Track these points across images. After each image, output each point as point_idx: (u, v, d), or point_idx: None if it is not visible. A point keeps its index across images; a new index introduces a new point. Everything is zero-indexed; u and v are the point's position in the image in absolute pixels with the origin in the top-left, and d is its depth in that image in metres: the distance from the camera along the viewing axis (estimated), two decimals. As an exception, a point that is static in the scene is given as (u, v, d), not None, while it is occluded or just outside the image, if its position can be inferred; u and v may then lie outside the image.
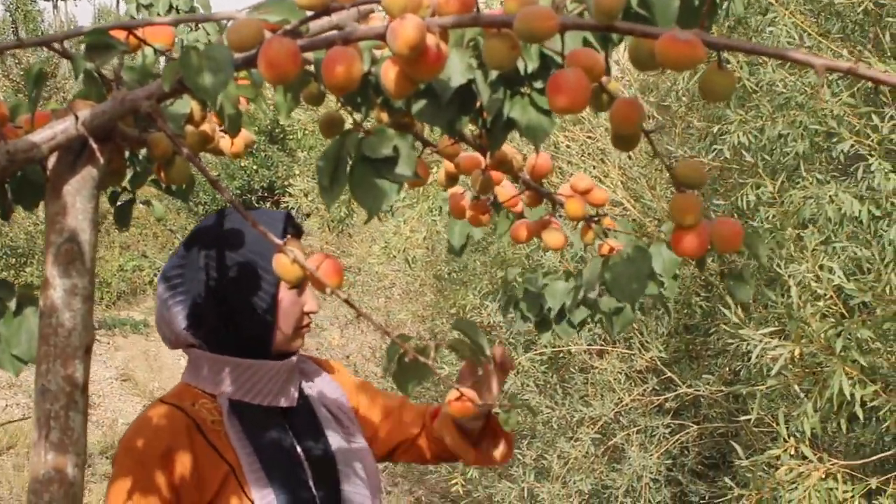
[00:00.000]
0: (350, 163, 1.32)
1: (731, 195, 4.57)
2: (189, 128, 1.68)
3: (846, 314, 3.46)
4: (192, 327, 2.23)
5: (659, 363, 5.19)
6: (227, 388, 2.23)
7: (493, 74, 1.28)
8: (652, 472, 5.04)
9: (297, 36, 1.24)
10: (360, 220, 10.01)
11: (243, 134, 1.85)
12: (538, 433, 5.60)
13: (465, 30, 1.25)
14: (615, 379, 5.18)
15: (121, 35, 1.47)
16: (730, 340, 4.48)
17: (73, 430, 1.35)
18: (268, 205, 16.16)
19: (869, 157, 3.78)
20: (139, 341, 12.41)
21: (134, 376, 11.68)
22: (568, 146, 5.55)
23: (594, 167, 5.43)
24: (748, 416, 3.84)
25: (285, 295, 2.25)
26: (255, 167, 16.01)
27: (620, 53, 4.57)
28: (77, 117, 1.36)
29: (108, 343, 12.78)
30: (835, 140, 3.94)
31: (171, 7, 2.89)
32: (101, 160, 1.38)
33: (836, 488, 3.31)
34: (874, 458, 3.69)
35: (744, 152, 4.28)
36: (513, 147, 1.82)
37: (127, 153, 1.70)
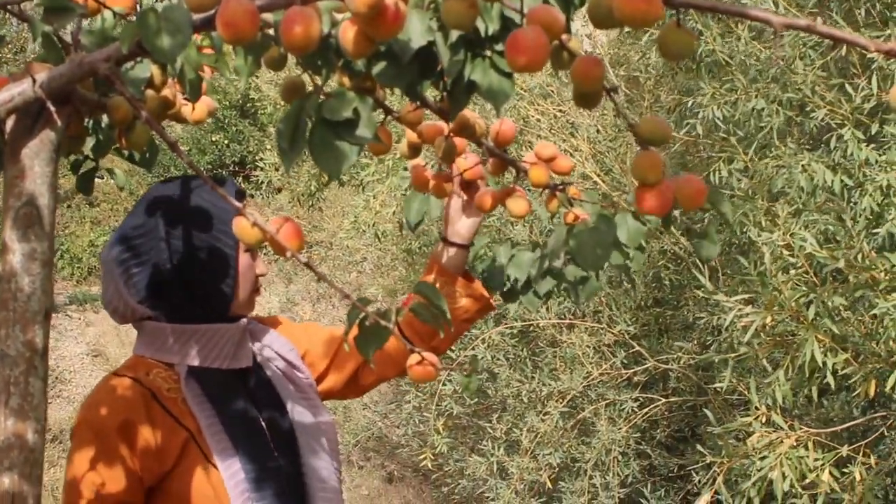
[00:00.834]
0: (310, 126, 1.32)
1: (703, 170, 4.58)
2: (149, 92, 1.66)
3: (818, 283, 3.47)
4: (150, 298, 2.21)
5: (627, 337, 5.20)
6: (189, 355, 2.22)
7: (454, 36, 1.27)
8: (621, 446, 5.06)
9: (256, -4, 1.23)
10: (330, 195, 9.99)
11: (205, 100, 1.84)
12: (508, 406, 5.61)
13: (425, -10, 1.24)
14: (584, 353, 5.19)
15: (79, -2, 1.45)
16: (700, 315, 4.50)
17: (33, 395, 1.34)
18: (239, 179, 16.09)
19: (840, 127, 3.79)
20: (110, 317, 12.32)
21: (105, 352, 11.61)
22: (538, 119, 5.54)
23: (564, 140, 5.43)
24: (719, 385, 3.85)
25: (243, 259, 2.25)
26: (226, 142, 15.92)
27: (594, 29, 4.56)
28: (34, 80, 1.35)
29: (80, 319, 12.71)
30: (808, 109, 3.95)
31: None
32: (59, 123, 1.37)
33: (807, 456, 3.33)
34: (845, 426, 3.71)
35: (718, 123, 4.28)
36: (476, 114, 1.81)
37: (90, 122, 1.69)
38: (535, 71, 1.12)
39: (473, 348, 5.35)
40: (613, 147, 5.47)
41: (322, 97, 1.32)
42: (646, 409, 5.13)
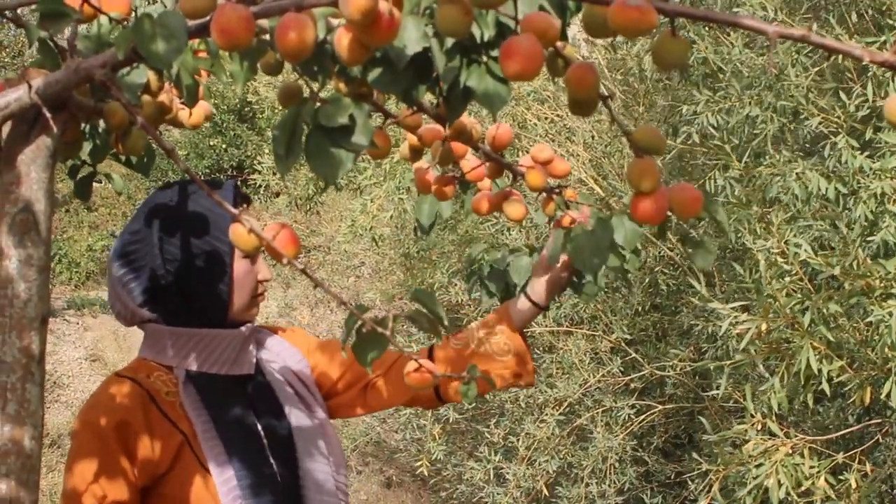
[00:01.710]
0: (306, 132, 1.32)
1: (699, 178, 4.58)
2: (146, 98, 1.66)
3: (813, 290, 3.47)
4: (148, 302, 2.23)
5: (624, 343, 5.20)
6: (187, 359, 2.22)
7: (449, 42, 1.27)
8: (617, 453, 5.06)
9: (251, 3, 1.23)
10: (328, 199, 9.98)
11: (202, 105, 1.84)
12: (506, 412, 5.61)
13: (420, -3, 1.24)
14: (580, 360, 5.19)
15: (76, 3, 1.45)
16: (695, 321, 4.50)
17: (30, 401, 1.34)
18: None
19: (834, 135, 3.79)
20: (108, 321, 12.32)
21: (103, 356, 11.61)
22: (535, 124, 5.54)
23: (560, 145, 5.43)
24: (715, 392, 3.86)
25: (240, 265, 2.24)
26: (224, 146, 15.93)
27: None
28: (30, 86, 1.35)
29: (78, 323, 12.70)
30: (802, 117, 3.95)
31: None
32: (56, 129, 1.37)
33: (803, 464, 3.33)
34: (840, 433, 3.71)
35: (712, 131, 4.28)
36: (472, 118, 1.81)
37: (87, 126, 1.69)
38: (529, 79, 1.12)
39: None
40: (610, 152, 5.47)
41: (318, 103, 1.32)
42: (643, 416, 5.12)
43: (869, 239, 3.52)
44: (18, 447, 1.32)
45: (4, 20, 1.49)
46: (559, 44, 1.23)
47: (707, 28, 4.37)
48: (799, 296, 3.39)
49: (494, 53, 1.26)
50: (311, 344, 2.54)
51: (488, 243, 2.46)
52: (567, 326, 5.34)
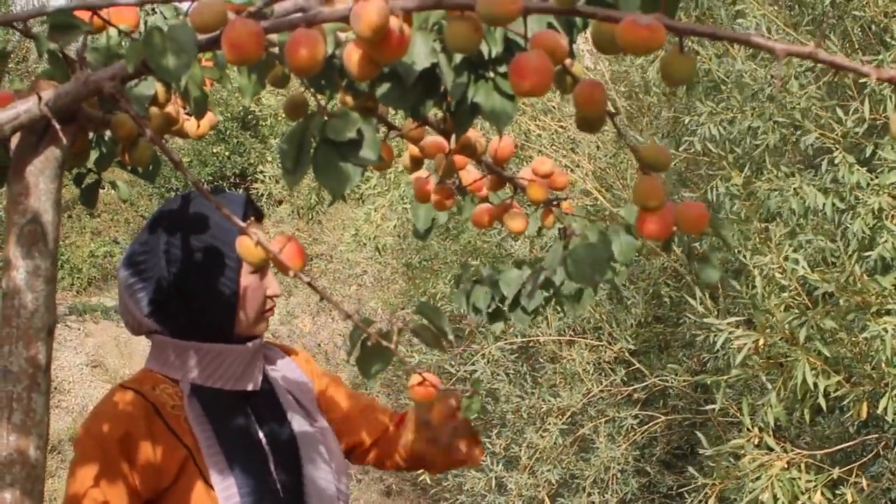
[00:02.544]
0: (313, 146, 1.32)
1: (701, 187, 4.59)
2: (153, 109, 1.67)
3: (810, 305, 3.48)
4: (154, 314, 2.22)
5: (627, 354, 5.20)
6: (192, 373, 2.22)
7: (458, 58, 1.28)
8: (620, 463, 5.06)
9: (261, 18, 1.23)
10: (331, 208, 9.99)
11: (208, 115, 1.84)
12: (508, 422, 5.61)
13: (429, 13, 1.24)
14: (584, 370, 5.19)
15: (85, 15, 1.46)
16: (696, 332, 4.50)
17: (36, 411, 1.34)
18: (239, 191, 15.96)
19: (833, 150, 3.80)
20: (110, 327, 12.33)
21: (104, 363, 11.60)
22: (539, 135, 5.55)
23: (564, 156, 5.44)
24: (714, 406, 3.86)
25: (248, 279, 2.24)
26: (227, 154, 15.93)
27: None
28: (40, 98, 1.36)
29: (79, 329, 12.69)
30: (800, 132, 3.96)
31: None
32: (65, 141, 1.37)
33: (799, 478, 3.33)
34: (837, 448, 3.71)
35: (710, 145, 4.29)
36: (477, 131, 1.82)
37: (92, 134, 1.69)
38: (539, 95, 1.13)
39: (473, 363, 5.35)
40: (614, 164, 5.48)
41: (325, 117, 1.32)
42: (645, 427, 5.13)
43: (866, 255, 3.53)
44: (23, 457, 1.32)
45: (13, 30, 1.50)
46: (567, 61, 1.23)
47: (712, 43, 4.38)
48: (796, 311, 3.40)
49: (502, 70, 1.27)
50: (320, 373, 2.56)
51: (493, 256, 2.46)
52: (570, 336, 5.34)
